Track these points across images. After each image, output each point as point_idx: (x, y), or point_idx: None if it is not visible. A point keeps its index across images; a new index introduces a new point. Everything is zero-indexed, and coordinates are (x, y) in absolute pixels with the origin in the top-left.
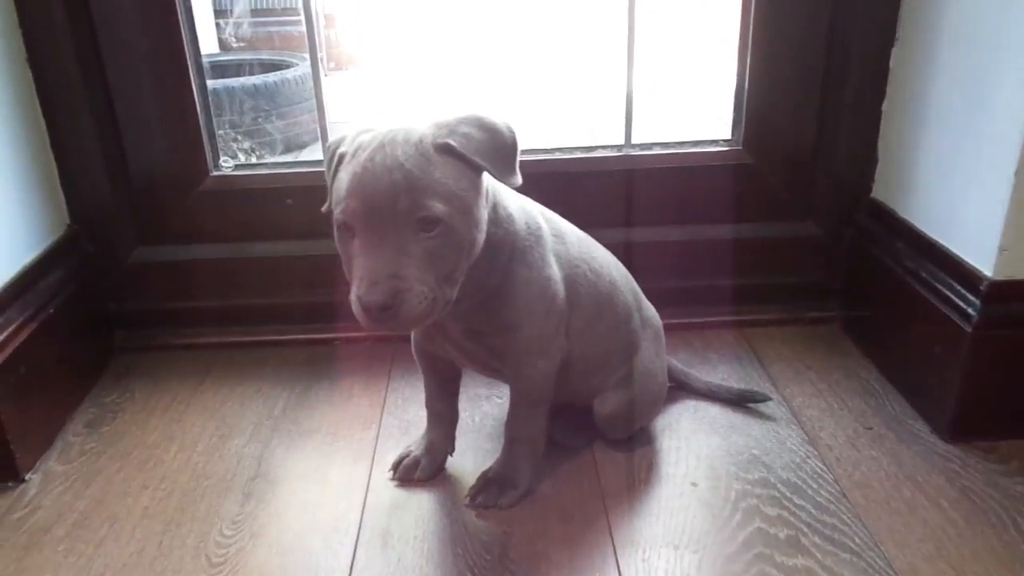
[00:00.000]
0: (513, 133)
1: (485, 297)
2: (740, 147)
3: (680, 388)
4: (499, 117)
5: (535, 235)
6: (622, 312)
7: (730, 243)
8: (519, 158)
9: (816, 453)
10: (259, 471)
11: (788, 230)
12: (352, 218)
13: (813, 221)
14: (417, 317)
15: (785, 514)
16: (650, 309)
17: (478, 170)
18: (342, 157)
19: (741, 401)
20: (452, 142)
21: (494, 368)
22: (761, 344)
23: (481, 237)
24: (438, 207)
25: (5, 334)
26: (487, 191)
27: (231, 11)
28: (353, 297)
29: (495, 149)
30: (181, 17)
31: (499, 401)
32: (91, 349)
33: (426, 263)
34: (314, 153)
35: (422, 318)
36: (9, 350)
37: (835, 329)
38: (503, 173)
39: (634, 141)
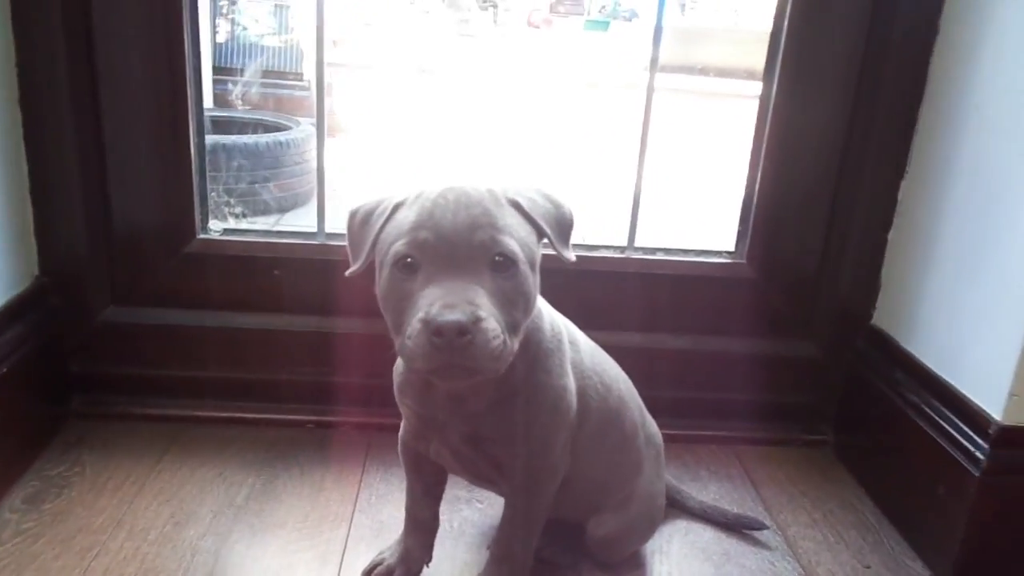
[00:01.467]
0: (572, 211)
1: (499, 399)
2: (743, 260)
3: (672, 506)
4: (563, 197)
5: (557, 339)
6: (629, 430)
7: (726, 356)
8: (572, 236)
9: None
10: (215, 570)
11: (786, 348)
12: (420, 250)
13: (812, 341)
14: (490, 354)
15: None
16: (653, 426)
17: (539, 235)
18: (397, 206)
19: (736, 526)
20: (520, 200)
21: (489, 479)
22: (753, 464)
23: (535, 304)
24: (514, 249)
25: None
26: None
27: (241, 71)
28: (417, 325)
29: (556, 220)
30: (189, 74)
31: (480, 506)
32: (42, 414)
33: (498, 303)
34: (303, 216)
35: (494, 359)
36: None
37: (828, 454)
38: (560, 242)
39: (637, 244)
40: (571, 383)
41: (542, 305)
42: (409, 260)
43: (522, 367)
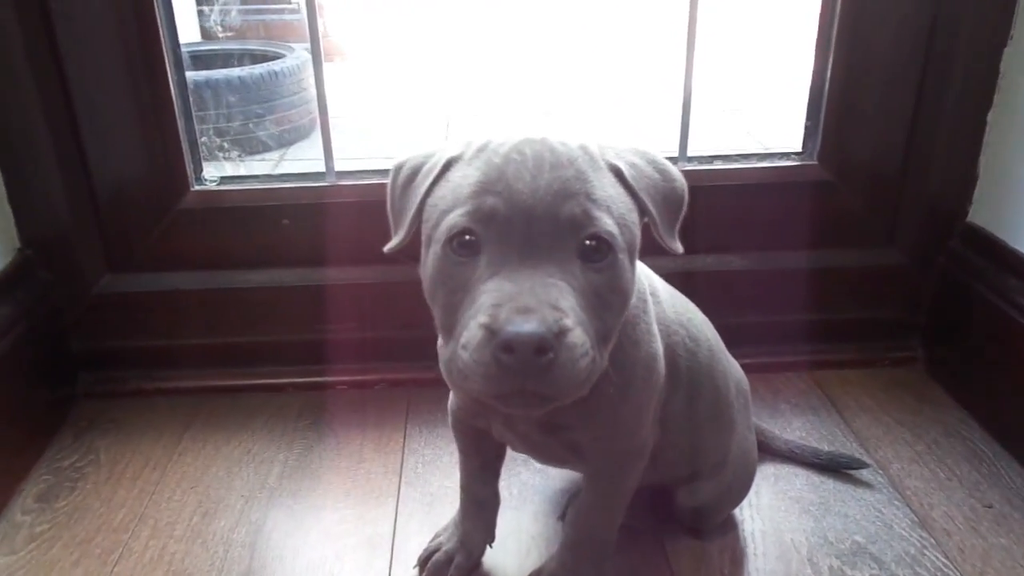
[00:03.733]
0: (685, 185)
1: None
2: (815, 161)
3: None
4: (667, 161)
5: (643, 301)
6: (722, 385)
7: (800, 273)
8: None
9: (933, 541)
10: (251, 566)
11: (867, 258)
12: (484, 223)
13: (897, 248)
14: (575, 378)
15: None
16: (738, 369)
17: (641, 213)
18: (451, 162)
19: (832, 467)
20: (622, 166)
21: (564, 461)
22: (837, 391)
23: (630, 303)
24: (612, 229)
25: None
26: None
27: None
28: (476, 332)
29: (665, 196)
30: (157, 1)
31: (539, 468)
32: (47, 398)
33: (588, 305)
34: (307, 150)
35: (579, 384)
36: None
37: (919, 372)
38: (666, 228)
39: (691, 154)
40: (659, 348)
41: None
42: (468, 237)
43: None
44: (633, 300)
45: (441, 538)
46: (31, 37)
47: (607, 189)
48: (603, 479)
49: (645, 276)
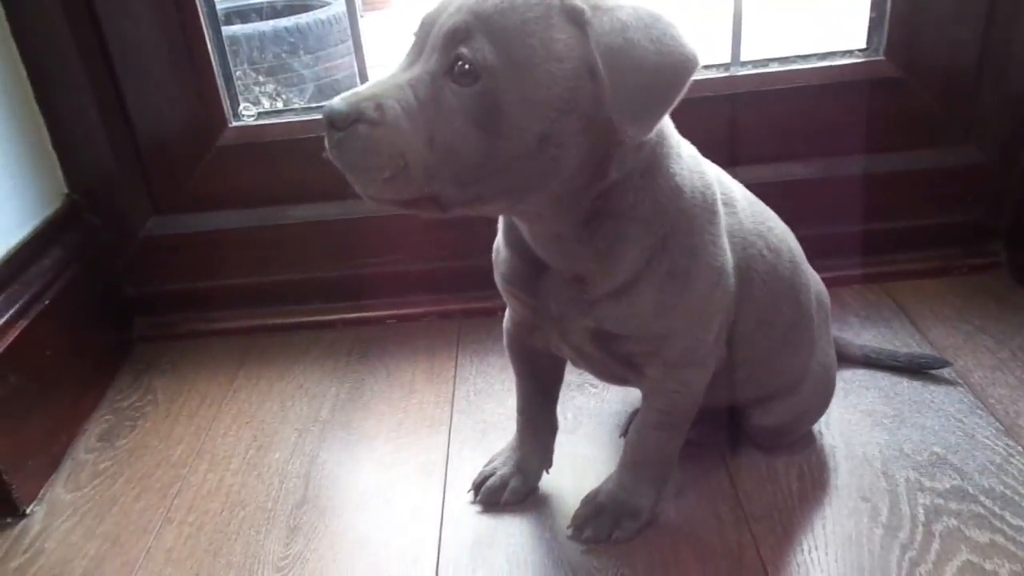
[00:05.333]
0: (688, 71)
1: (622, 285)
2: (881, 56)
3: None
4: (689, 42)
5: (710, 210)
6: (804, 301)
7: (869, 178)
8: (667, 106)
9: (1021, 448)
10: (306, 495)
11: (942, 158)
12: (418, 29)
13: (975, 145)
14: (365, 170)
15: (1000, 539)
16: (818, 281)
17: (595, 80)
18: None
19: (912, 368)
20: (590, 15)
21: (622, 378)
22: (911, 301)
23: (553, 173)
24: (488, 59)
25: None
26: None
27: None
28: None
29: (644, 71)
30: None
31: (594, 390)
32: (104, 341)
33: (427, 119)
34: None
35: (375, 181)
36: None
37: (1003, 277)
38: (623, 107)
39: (744, 58)
40: (728, 261)
41: (684, 174)
42: (414, 37)
43: (651, 237)
44: (695, 202)
45: (496, 463)
46: None
47: (525, 24)
48: (660, 396)
49: (718, 183)
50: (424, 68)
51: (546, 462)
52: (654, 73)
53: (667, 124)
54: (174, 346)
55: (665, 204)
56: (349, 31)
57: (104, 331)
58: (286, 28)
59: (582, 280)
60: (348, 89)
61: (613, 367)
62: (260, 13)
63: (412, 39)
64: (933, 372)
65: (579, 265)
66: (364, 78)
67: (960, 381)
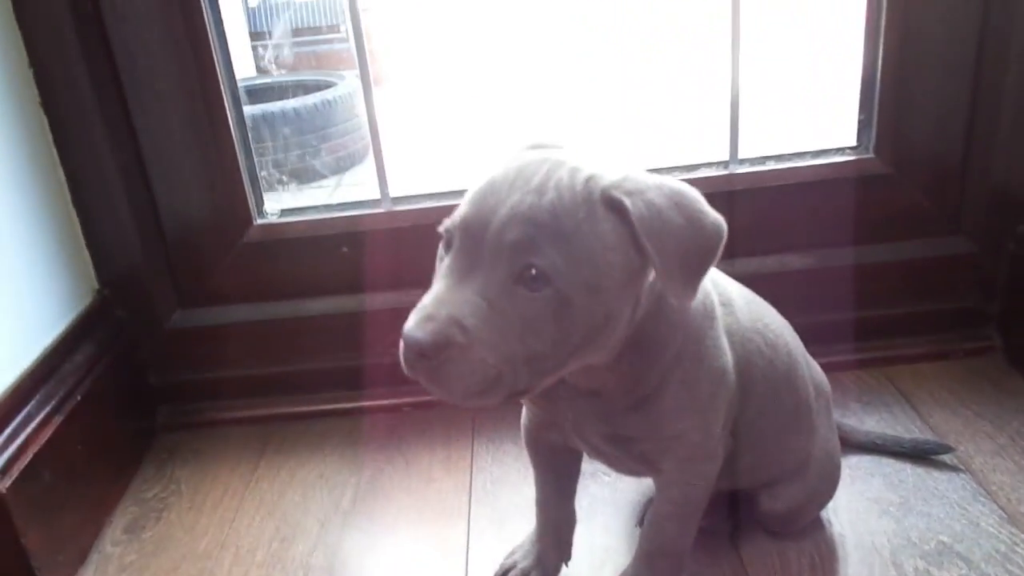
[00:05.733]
0: (720, 236)
1: (640, 399)
2: (871, 154)
3: None
4: (711, 209)
5: (709, 316)
6: (802, 389)
7: (864, 268)
8: (706, 271)
9: None
10: None
11: (933, 248)
12: (456, 230)
13: (964, 236)
14: (463, 386)
15: None
16: (818, 371)
17: (643, 257)
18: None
19: (917, 454)
20: (628, 203)
21: (638, 471)
22: (910, 386)
23: (611, 336)
24: (558, 264)
25: (24, 435)
26: (649, 286)
27: (270, 34)
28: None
29: (681, 244)
30: (213, 41)
31: (608, 480)
32: (129, 432)
33: (507, 328)
34: (360, 174)
35: (470, 394)
36: (29, 455)
37: (997, 361)
38: (672, 279)
39: (742, 156)
40: (729, 361)
41: None
42: (447, 238)
43: (668, 355)
44: (698, 313)
45: (516, 556)
46: (99, 88)
47: (581, 226)
48: (673, 488)
49: (715, 286)
50: (490, 278)
51: (565, 555)
52: (693, 246)
53: None
54: (196, 434)
55: (676, 322)
56: (353, 110)
57: (130, 421)
58: (295, 109)
59: (599, 394)
60: (359, 164)
61: (628, 463)
62: (274, 94)
63: (453, 241)
64: (936, 459)
65: (599, 385)
66: (379, 152)
67: (962, 467)
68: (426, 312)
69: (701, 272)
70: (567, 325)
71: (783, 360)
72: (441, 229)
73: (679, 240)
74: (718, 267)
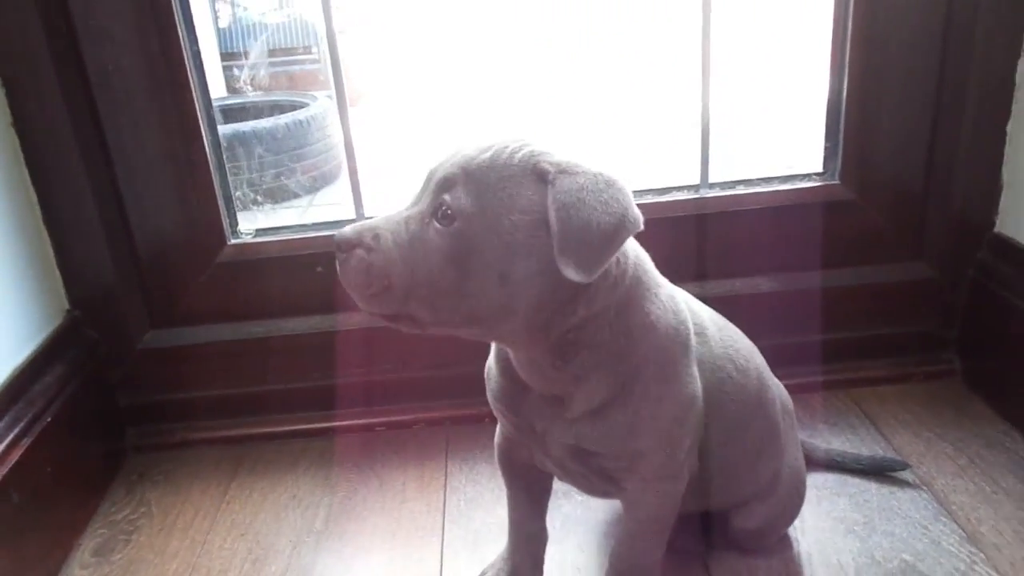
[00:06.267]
0: (621, 230)
1: (598, 407)
2: (836, 180)
3: None
4: (634, 208)
5: (683, 344)
6: (771, 412)
7: (829, 291)
8: (606, 257)
9: (984, 556)
10: None
11: (895, 273)
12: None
13: (924, 262)
14: (355, 284)
15: None
16: (782, 390)
17: (547, 230)
18: None
19: (874, 471)
20: (552, 176)
21: (605, 491)
22: (874, 407)
23: (509, 305)
24: (464, 205)
25: None
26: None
27: (246, 54)
28: None
29: (587, 220)
30: (188, 62)
31: (581, 499)
32: (99, 453)
33: (412, 252)
34: (333, 194)
35: (364, 295)
36: None
37: (957, 385)
38: (567, 249)
39: (712, 180)
40: (698, 388)
41: (658, 311)
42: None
43: (625, 366)
44: (669, 335)
45: (489, 574)
46: (73, 106)
47: (500, 182)
48: (639, 507)
49: (691, 313)
50: (418, 208)
51: (537, 571)
52: (596, 230)
53: (645, 268)
54: (167, 456)
55: (638, 338)
56: (326, 130)
57: (98, 443)
58: (267, 128)
59: (561, 401)
60: (332, 183)
61: (594, 481)
62: (246, 114)
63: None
64: (898, 477)
65: (557, 387)
66: (354, 171)
67: (924, 487)
68: (363, 221)
69: (597, 258)
70: (463, 270)
71: (753, 384)
72: None
73: (585, 221)
74: (688, 289)
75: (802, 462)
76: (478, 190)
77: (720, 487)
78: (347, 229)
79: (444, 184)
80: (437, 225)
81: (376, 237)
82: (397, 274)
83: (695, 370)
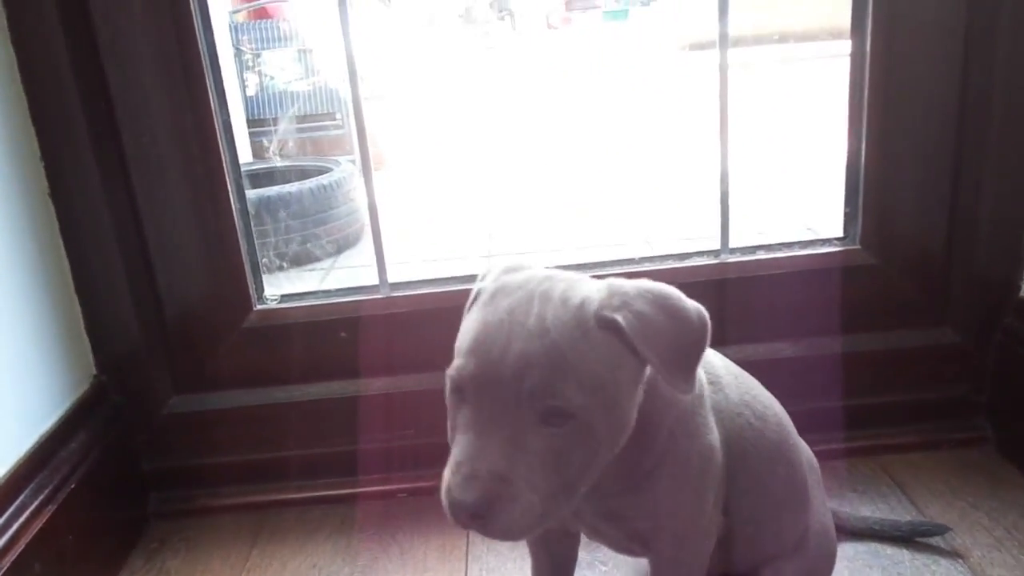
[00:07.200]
0: (705, 326)
1: (637, 481)
2: (857, 245)
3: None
4: (691, 302)
5: (698, 395)
6: (794, 459)
7: (853, 357)
8: (700, 360)
9: None
10: None
11: (921, 338)
12: (465, 382)
13: (950, 327)
14: (516, 532)
15: None
16: (806, 448)
17: (643, 362)
18: (479, 294)
19: (914, 537)
20: (620, 319)
21: (630, 550)
22: (904, 475)
23: (625, 436)
24: (576, 399)
25: (16, 525)
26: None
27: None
28: (444, 484)
29: (674, 342)
30: (219, 130)
31: (604, 569)
32: (121, 520)
33: (543, 465)
34: (355, 257)
35: (522, 533)
36: (21, 546)
37: (989, 452)
38: (673, 375)
39: (732, 245)
40: (716, 438)
41: None
42: (457, 389)
43: (662, 436)
44: (685, 402)
45: None
46: (107, 176)
47: (584, 355)
48: (667, 567)
49: (703, 364)
50: (515, 425)
51: None
52: (684, 340)
53: None
54: (187, 522)
55: (669, 401)
56: (349, 194)
57: (121, 509)
58: (291, 193)
59: (598, 483)
60: (352, 248)
61: (623, 541)
62: (271, 179)
63: (467, 394)
64: (934, 548)
65: (629, 475)
66: (377, 233)
67: (960, 559)
68: (466, 472)
69: (695, 361)
70: (593, 446)
71: (773, 430)
72: (449, 375)
73: (670, 339)
74: None
75: (831, 523)
76: (573, 377)
77: (748, 542)
78: (469, 494)
79: (538, 392)
80: (553, 430)
81: (506, 481)
82: (546, 497)
83: (711, 420)
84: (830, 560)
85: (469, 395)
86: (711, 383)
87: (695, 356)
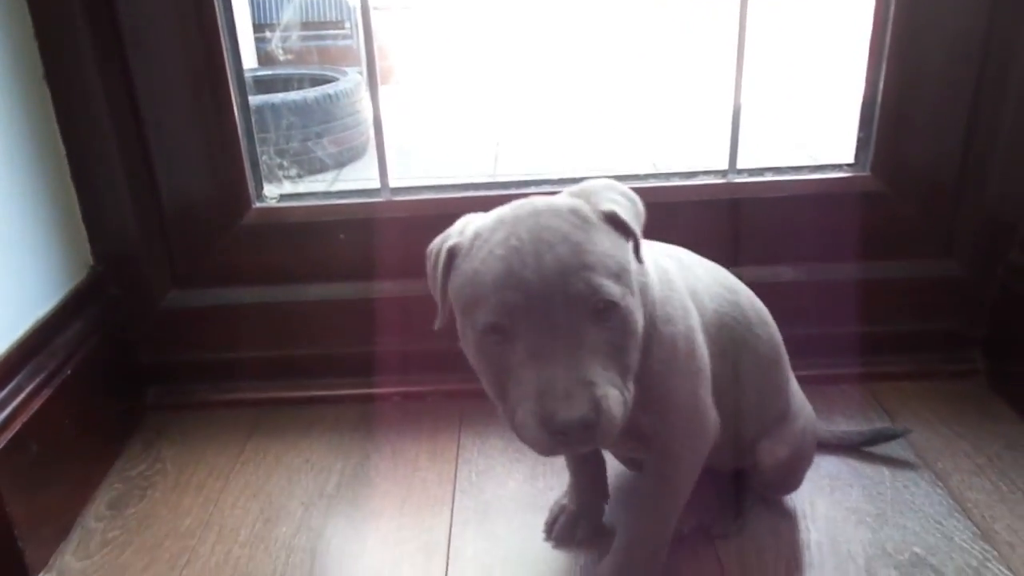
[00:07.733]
0: (639, 200)
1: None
2: (867, 172)
3: None
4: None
5: (667, 279)
6: (769, 320)
7: (854, 284)
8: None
9: (996, 554)
10: (312, 571)
11: (923, 269)
12: (510, 316)
13: (954, 259)
14: (616, 428)
15: None
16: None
17: (630, 240)
18: (453, 252)
19: (874, 441)
20: (617, 208)
21: (631, 447)
22: (894, 403)
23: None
24: (613, 289)
25: (13, 406)
26: None
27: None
28: (530, 418)
29: (635, 218)
30: (222, 27)
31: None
32: (117, 410)
33: (609, 359)
34: (361, 170)
35: (619, 429)
36: (17, 425)
37: (980, 385)
38: (640, 245)
39: (740, 166)
40: (696, 318)
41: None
42: (500, 329)
43: (646, 330)
44: (658, 282)
45: (564, 500)
46: (105, 63)
47: (600, 245)
48: (668, 461)
49: (665, 254)
50: (576, 330)
51: (603, 495)
52: (639, 216)
53: None
54: (185, 416)
55: (646, 293)
56: (355, 106)
57: (119, 399)
58: (295, 101)
59: None
60: (359, 158)
61: (628, 443)
62: (277, 85)
63: (518, 327)
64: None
65: None
66: (381, 147)
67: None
68: (561, 391)
69: (641, 230)
70: (636, 329)
71: (746, 297)
72: (484, 324)
73: (633, 215)
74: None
75: (805, 400)
76: (601, 268)
77: (750, 410)
78: (577, 410)
79: (585, 292)
80: (604, 323)
81: (595, 384)
82: (625, 386)
83: (689, 303)
84: (813, 436)
85: (520, 326)
86: (684, 268)
87: (642, 225)
